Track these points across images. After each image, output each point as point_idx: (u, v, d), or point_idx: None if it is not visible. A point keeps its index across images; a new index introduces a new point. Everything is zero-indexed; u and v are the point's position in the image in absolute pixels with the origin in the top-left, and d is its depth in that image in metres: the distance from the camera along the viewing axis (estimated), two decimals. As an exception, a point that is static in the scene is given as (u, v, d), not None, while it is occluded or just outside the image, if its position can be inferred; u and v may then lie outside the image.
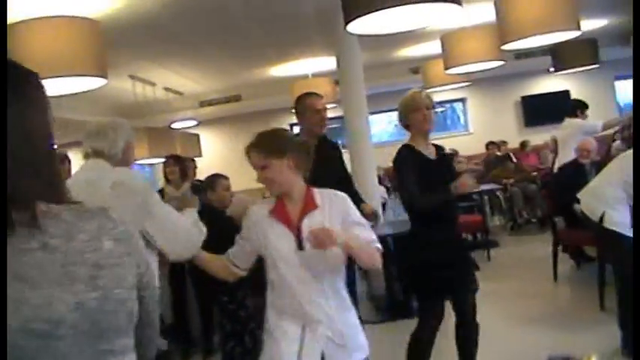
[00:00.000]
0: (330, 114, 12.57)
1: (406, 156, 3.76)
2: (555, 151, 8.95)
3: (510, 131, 13.98)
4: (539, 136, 13.04)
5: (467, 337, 3.86)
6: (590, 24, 9.84)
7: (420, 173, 3.67)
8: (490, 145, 11.96)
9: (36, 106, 1.09)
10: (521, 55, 11.86)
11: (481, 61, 6.41)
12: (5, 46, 1.13)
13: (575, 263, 6.93)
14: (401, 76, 12.44)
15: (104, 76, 4.06)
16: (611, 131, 8.68)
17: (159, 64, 9.43)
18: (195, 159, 8.64)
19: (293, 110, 4.67)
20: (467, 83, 9.34)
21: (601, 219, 4.46)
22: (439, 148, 3.87)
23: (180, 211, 3.22)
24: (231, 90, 12.86)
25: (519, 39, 4.90)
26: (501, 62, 6.48)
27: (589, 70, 8.95)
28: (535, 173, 11.03)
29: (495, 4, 5.13)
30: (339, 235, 2.45)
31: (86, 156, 3.10)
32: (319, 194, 2.66)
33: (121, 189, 2.87)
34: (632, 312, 4.23)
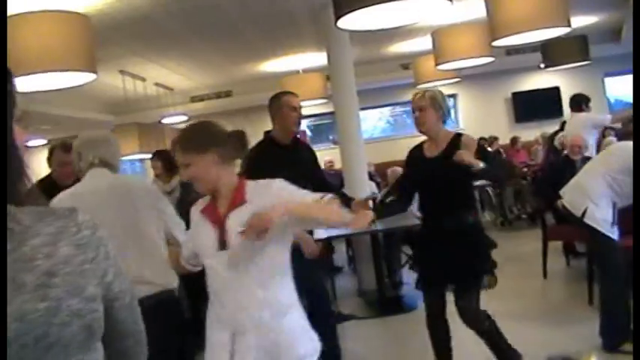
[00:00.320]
0: (320, 109, 12.57)
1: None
2: (545, 147, 8.98)
3: (501, 127, 14.01)
4: (529, 132, 13.09)
5: None
6: (581, 21, 9.88)
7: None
8: (481, 141, 11.98)
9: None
10: (511, 51, 11.91)
11: (472, 58, 6.43)
12: (5, 45, 1.08)
13: (566, 259, 6.96)
14: (392, 72, 12.45)
15: (94, 72, 4.04)
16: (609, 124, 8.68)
17: (149, 60, 9.40)
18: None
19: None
20: (457, 79, 9.37)
21: (583, 214, 4.48)
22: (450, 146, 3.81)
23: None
24: (221, 86, 12.85)
25: (510, 35, 4.91)
26: (492, 58, 6.50)
27: (579, 66, 8.97)
28: (525, 169, 11.06)
29: (486, 0, 5.14)
30: (275, 209, 2.22)
31: (91, 165, 3.12)
32: (252, 187, 2.46)
33: (140, 193, 3.18)
34: (620, 309, 4.29)
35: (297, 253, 3.91)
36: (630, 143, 4.75)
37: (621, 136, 4.87)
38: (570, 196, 4.74)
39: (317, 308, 4.00)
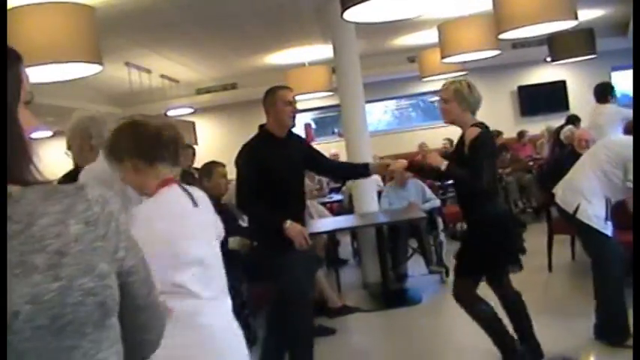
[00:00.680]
0: (326, 102, 12.56)
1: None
2: (550, 141, 8.94)
3: (506, 121, 13.97)
4: (535, 126, 13.05)
5: None
6: (587, 14, 9.84)
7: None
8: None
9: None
10: (517, 44, 11.86)
11: (478, 51, 6.40)
12: (5, 41, 1.09)
13: (571, 253, 6.94)
14: (398, 65, 12.42)
15: (99, 63, 4.04)
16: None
17: (155, 52, 9.40)
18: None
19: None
20: (463, 72, 9.33)
21: (575, 211, 4.48)
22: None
23: None
24: (227, 78, 12.84)
25: (516, 28, 4.89)
26: (498, 52, 6.47)
27: (586, 60, 8.94)
28: (531, 163, 11.03)
29: (492, -7, 5.12)
30: None
31: None
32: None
33: None
34: (617, 306, 4.29)
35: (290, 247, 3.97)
36: (616, 137, 4.76)
37: (625, 132, 4.85)
38: (562, 193, 4.72)
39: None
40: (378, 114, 15.18)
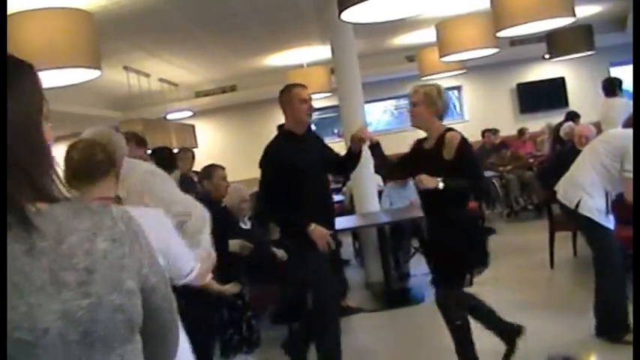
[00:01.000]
0: (325, 103, 12.57)
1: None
2: (550, 138, 8.92)
3: (506, 118, 13.98)
4: (534, 123, 13.04)
5: None
6: (585, 10, 9.83)
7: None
8: (486, 132, 11.94)
9: (20, 99, 1.02)
10: (516, 42, 11.86)
11: (476, 49, 6.41)
12: (5, 44, 1.08)
13: (573, 249, 6.94)
14: (397, 65, 12.42)
15: (98, 68, 4.04)
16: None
17: (153, 55, 9.40)
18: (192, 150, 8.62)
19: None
20: (462, 71, 9.34)
21: (577, 205, 4.49)
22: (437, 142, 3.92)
23: None
24: (226, 80, 12.84)
25: (514, 26, 4.90)
26: (496, 49, 6.48)
27: (584, 56, 8.94)
28: (531, 160, 11.03)
29: (490, -9, 5.12)
30: None
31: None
32: None
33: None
34: (618, 301, 4.29)
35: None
36: (613, 130, 4.77)
37: (624, 127, 4.85)
38: (564, 189, 4.74)
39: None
40: (378, 114, 15.17)
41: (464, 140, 3.88)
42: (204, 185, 5.09)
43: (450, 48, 6.55)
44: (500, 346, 4.13)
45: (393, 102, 15.15)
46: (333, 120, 14.36)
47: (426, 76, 8.96)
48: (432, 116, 3.91)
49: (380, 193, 7.62)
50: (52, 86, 4.15)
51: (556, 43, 8.49)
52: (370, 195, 7.37)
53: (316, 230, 4.01)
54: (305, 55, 10.52)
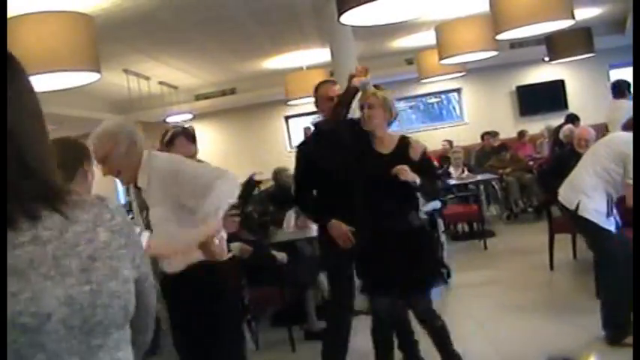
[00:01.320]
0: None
1: None
2: (550, 141, 8.93)
3: (506, 121, 13.99)
4: (534, 126, 13.06)
5: None
6: (584, 13, 9.85)
7: None
8: (485, 135, 11.96)
9: (26, 105, 1.06)
10: (515, 44, 11.87)
11: (476, 51, 6.41)
12: (5, 46, 1.09)
13: (573, 251, 6.95)
14: (396, 67, 12.43)
15: (97, 71, 4.05)
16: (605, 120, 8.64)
17: (153, 58, 9.41)
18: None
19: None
20: (462, 73, 9.34)
21: (577, 207, 4.49)
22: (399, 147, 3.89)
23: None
24: (226, 83, 12.85)
25: (513, 28, 4.90)
26: (496, 52, 6.48)
27: (584, 59, 8.95)
28: (531, 163, 11.04)
29: (489, -7, 5.13)
30: None
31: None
32: None
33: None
34: (621, 302, 4.28)
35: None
36: (616, 134, 4.77)
37: (624, 128, 4.85)
38: (564, 191, 4.75)
39: None
40: (377, 116, 15.16)
41: (425, 147, 3.93)
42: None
43: (449, 50, 6.55)
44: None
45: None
46: (332, 122, 14.35)
47: (426, 78, 8.97)
48: (386, 121, 3.91)
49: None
50: (52, 89, 4.16)
51: (555, 46, 8.50)
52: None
53: (335, 227, 3.99)
54: (304, 57, 10.52)
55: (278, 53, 10.51)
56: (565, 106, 13.57)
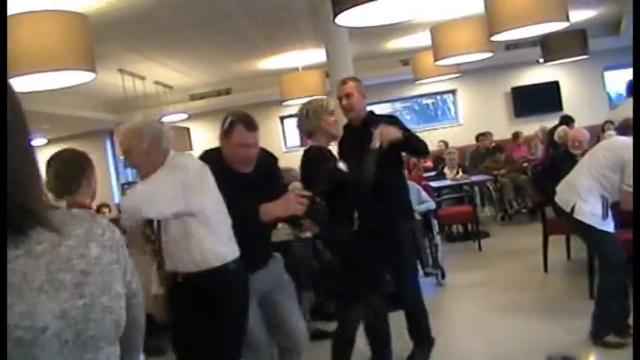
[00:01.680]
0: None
1: None
2: (545, 142, 8.95)
3: (500, 122, 14.02)
4: (528, 127, 13.09)
5: None
6: (579, 14, 9.88)
7: None
8: (480, 136, 11.98)
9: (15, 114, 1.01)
10: (510, 46, 11.90)
11: (470, 52, 6.42)
12: (5, 44, 1.07)
13: (567, 253, 6.97)
14: (391, 68, 12.44)
15: (93, 71, 4.04)
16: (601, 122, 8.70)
17: (148, 58, 9.40)
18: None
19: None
20: (457, 74, 9.35)
21: (572, 210, 4.50)
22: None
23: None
24: (221, 83, 12.86)
25: (508, 30, 4.91)
26: (491, 53, 6.49)
27: (578, 60, 8.97)
28: (525, 164, 11.06)
29: (484, -5, 5.14)
30: None
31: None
32: None
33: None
34: (614, 302, 4.29)
35: None
36: (616, 139, 4.76)
37: (620, 130, 4.86)
38: (561, 193, 4.76)
39: None
40: (373, 117, 15.17)
41: None
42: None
43: (444, 52, 6.56)
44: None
45: (388, 105, 15.17)
46: (328, 123, 14.36)
47: (421, 79, 8.97)
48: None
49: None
50: (47, 89, 4.15)
51: (550, 47, 8.52)
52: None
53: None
54: (300, 58, 10.52)
55: (273, 54, 10.51)
56: (560, 107, 13.60)
